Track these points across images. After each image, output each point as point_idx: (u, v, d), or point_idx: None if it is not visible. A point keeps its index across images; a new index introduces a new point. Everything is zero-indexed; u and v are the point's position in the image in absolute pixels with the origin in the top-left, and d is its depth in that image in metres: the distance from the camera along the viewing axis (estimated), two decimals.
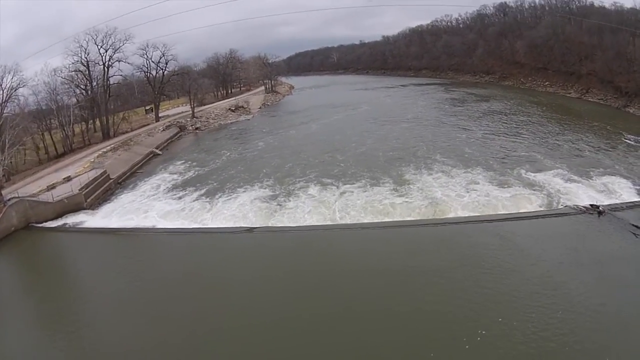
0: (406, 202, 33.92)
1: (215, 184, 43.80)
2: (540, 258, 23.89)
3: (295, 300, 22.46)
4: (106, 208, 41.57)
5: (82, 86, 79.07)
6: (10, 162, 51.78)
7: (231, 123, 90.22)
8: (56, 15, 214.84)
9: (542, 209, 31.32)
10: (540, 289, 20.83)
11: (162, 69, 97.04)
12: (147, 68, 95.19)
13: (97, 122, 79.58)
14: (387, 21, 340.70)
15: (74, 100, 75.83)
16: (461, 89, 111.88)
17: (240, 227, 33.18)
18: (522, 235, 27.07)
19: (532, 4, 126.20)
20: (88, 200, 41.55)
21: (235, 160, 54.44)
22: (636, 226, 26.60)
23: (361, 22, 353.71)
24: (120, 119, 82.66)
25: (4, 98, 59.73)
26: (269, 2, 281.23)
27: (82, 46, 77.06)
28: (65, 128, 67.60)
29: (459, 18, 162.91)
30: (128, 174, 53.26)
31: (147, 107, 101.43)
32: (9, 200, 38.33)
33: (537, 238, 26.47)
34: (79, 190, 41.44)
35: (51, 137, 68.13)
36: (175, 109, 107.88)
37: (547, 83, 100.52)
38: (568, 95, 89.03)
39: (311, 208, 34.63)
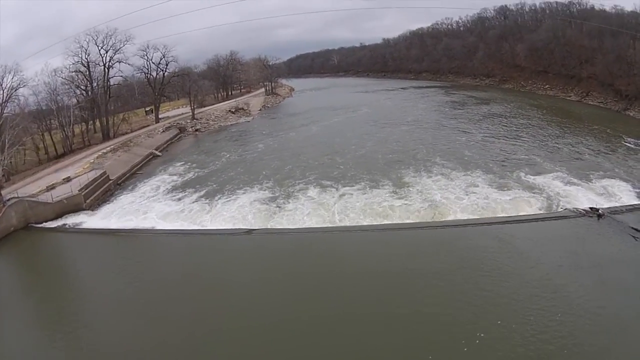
0: (405, 204, 33.91)
1: (214, 185, 43.77)
2: (540, 261, 23.89)
3: (294, 302, 22.44)
4: (105, 209, 41.53)
5: (82, 87, 79.19)
6: (10, 162, 51.75)
7: (231, 125, 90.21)
8: (56, 15, 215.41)
9: (541, 212, 31.32)
10: (539, 291, 20.83)
11: (162, 70, 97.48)
12: (148, 69, 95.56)
13: (97, 123, 79.65)
14: (387, 24, 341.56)
15: (74, 100, 75.93)
16: (461, 91, 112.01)
17: (240, 228, 33.17)
18: (521, 238, 27.08)
19: (533, 7, 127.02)
20: (87, 201, 41.50)
21: (234, 162, 54.43)
22: (636, 229, 26.61)
23: (362, 24, 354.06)
24: (120, 120, 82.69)
25: (4, 98, 59.75)
26: (270, 4, 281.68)
27: (82, 47, 77.26)
28: (65, 128, 67.62)
29: (460, 21, 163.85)
30: (127, 175, 53.21)
31: (147, 109, 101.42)
32: (8, 200, 38.31)
33: (536, 241, 26.49)
34: (79, 191, 41.39)
35: (51, 137, 68.06)
36: (175, 111, 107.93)
37: (547, 86, 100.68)
38: (568, 98, 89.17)
39: (310, 210, 34.62)
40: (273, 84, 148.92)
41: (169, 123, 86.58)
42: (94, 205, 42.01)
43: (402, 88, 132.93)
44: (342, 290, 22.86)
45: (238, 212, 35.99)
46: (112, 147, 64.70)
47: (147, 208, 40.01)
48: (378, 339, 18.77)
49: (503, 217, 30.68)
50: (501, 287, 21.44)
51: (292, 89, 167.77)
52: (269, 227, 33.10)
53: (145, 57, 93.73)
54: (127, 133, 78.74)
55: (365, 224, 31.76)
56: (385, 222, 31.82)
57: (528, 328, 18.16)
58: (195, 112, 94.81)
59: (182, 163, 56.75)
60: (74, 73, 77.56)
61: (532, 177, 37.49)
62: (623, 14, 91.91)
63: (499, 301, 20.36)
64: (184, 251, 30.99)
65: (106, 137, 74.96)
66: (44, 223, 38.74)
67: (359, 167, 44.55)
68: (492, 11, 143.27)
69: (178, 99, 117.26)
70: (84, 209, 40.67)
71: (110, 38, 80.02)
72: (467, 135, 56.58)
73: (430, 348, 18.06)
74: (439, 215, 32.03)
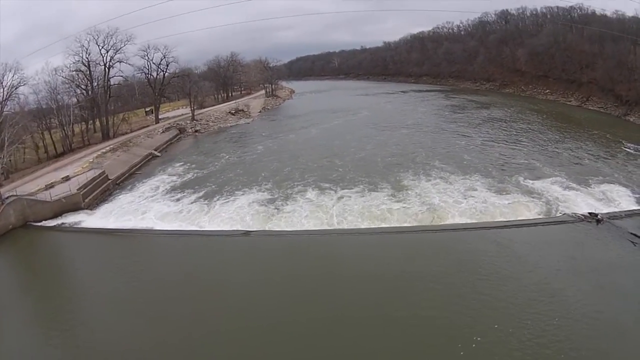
0: (404, 207, 33.87)
1: (213, 186, 43.71)
2: (538, 265, 23.85)
3: (291, 305, 22.38)
4: (104, 208, 41.47)
5: (82, 86, 79.13)
6: (10, 161, 51.78)
7: (231, 126, 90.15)
8: (56, 15, 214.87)
9: (540, 216, 31.31)
10: (537, 295, 20.79)
11: (162, 71, 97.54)
12: (148, 69, 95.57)
13: (97, 123, 79.67)
14: (388, 27, 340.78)
15: (74, 100, 75.98)
16: (461, 96, 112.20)
17: (238, 230, 33.11)
18: (519, 242, 27.04)
19: (534, 12, 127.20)
20: (86, 200, 41.48)
21: (234, 163, 54.41)
22: (635, 234, 26.60)
23: (362, 27, 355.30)
24: (120, 119, 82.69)
25: (4, 96, 60.00)
26: (271, 6, 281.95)
27: (83, 46, 77.26)
28: (65, 128, 67.66)
29: (461, 25, 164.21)
30: (126, 175, 53.17)
31: (147, 109, 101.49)
32: (7, 198, 38.25)
33: (534, 245, 26.45)
34: (77, 190, 41.34)
35: (51, 136, 68.12)
36: (175, 111, 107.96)
37: (547, 91, 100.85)
38: (568, 103, 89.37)
39: (308, 212, 34.54)
40: (273, 86, 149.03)
41: (169, 124, 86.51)
42: (93, 205, 41.96)
43: (402, 91, 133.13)
44: (339, 293, 22.79)
45: (236, 213, 35.92)
46: (111, 146, 64.62)
47: (146, 208, 39.95)
48: (375, 342, 18.69)
49: (501, 221, 30.62)
50: (499, 291, 21.39)
51: (292, 91, 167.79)
52: (266, 228, 33.04)
53: (146, 58, 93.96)
54: (126, 133, 78.70)
55: (363, 227, 31.69)
56: (383, 225, 31.76)
57: (525, 332, 18.10)
58: (195, 113, 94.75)
59: (181, 164, 56.70)
60: (74, 72, 77.69)
61: (531, 181, 37.49)
62: (624, 19, 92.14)
63: (496, 305, 20.31)
64: (181, 252, 30.89)
65: (106, 137, 74.90)
66: (43, 222, 38.66)
67: (358, 169, 44.50)
68: (493, 15, 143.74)
69: (178, 100, 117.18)
70: (83, 208, 40.62)
71: (111, 38, 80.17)
72: (467, 139, 56.60)
73: (427, 351, 18.08)
74: (437, 219, 31.98)
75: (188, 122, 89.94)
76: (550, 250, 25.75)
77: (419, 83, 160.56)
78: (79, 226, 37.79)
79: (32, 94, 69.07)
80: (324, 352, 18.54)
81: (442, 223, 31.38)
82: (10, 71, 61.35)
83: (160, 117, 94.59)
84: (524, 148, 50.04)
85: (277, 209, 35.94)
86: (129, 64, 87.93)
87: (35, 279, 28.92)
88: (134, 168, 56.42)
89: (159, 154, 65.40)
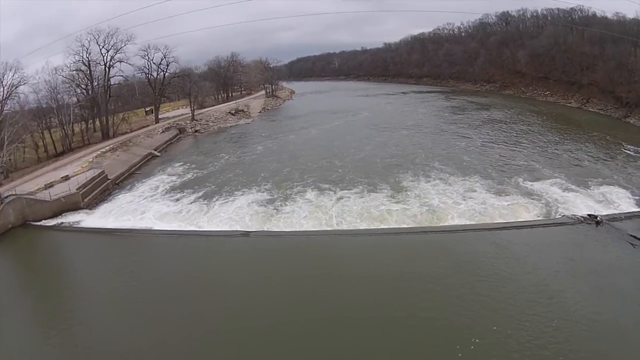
0: (403, 208, 33.84)
1: (212, 186, 43.69)
2: (537, 267, 23.84)
3: (291, 305, 22.35)
4: (103, 208, 41.43)
5: (82, 86, 79.02)
6: (9, 160, 51.80)
7: (231, 126, 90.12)
8: (56, 15, 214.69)
9: (539, 218, 31.29)
10: (536, 297, 20.78)
11: (163, 71, 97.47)
12: (148, 69, 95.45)
13: (97, 122, 79.65)
14: (389, 28, 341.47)
15: (75, 99, 75.88)
16: (462, 97, 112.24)
17: (237, 230, 33.09)
18: (519, 243, 27.06)
19: (535, 14, 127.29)
20: (85, 199, 41.45)
21: (233, 163, 54.39)
22: (634, 236, 26.59)
23: (363, 28, 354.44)
24: (120, 119, 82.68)
25: (5, 95, 59.97)
26: (271, 6, 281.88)
27: (83, 45, 77.16)
28: (64, 127, 67.63)
29: (461, 26, 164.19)
30: (126, 174, 53.14)
31: (147, 109, 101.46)
32: (6, 197, 38.20)
33: (533, 247, 26.45)
34: (77, 189, 41.32)
35: (50, 135, 68.10)
36: (175, 111, 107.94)
37: (547, 92, 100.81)
38: (568, 105, 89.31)
39: (307, 213, 34.51)
40: (273, 86, 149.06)
41: (169, 124, 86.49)
42: (92, 204, 41.92)
43: (402, 92, 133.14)
44: (338, 294, 22.78)
45: (235, 213, 35.90)
46: (111, 146, 64.56)
47: (145, 208, 39.91)
48: (374, 343, 18.69)
49: (501, 222, 30.63)
50: (498, 293, 21.37)
51: (292, 92, 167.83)
52: (266, 229, 33.01)
53: (146, 57, 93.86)
54: (126, 133, 78.68)
55: (362, 227, 31.67)
56: (383, 226, 31.73)
57: (524, 334, 18.09)
58: (195, 113, 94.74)
59: (180, 164, 56.68)
60: (74, 72, 77.51)
61: (531, 183, 37.48)
62: (625, 21, 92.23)
63: (495, 306, 20.29)
64: (181, 252, 30.86)
65: (105, 137, 74.89)
66: (42, 221, 38.63)
67: (357, 170, 44.49)
68: (493, 17, 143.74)
69: (178, 100, 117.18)
70: (82, 208, 40.60)
71: (112, 37, 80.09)
72: (467, 140, 56.60)
73: (426, 352, 18.09)
74: (436, 220, 31.98)
75: (188, 122, 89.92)
76: (549, 251, 25.74)
77: (420, 84, 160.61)
78: (78, 226, 37.76)
79: (32, 93, 69.20)
80: (323, 353, 18.53)
81: (441, 224, 31.36)
82: (10, 70, 61.43)
83: (160, 117, 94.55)
84: (524, 149, 50.04)
85: (277, 209, 35.90)
86: (129, 64, 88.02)
87: (35, 279, 28.89)
88: (134, 168, 56.40)
89: (158, 154, 65.38)
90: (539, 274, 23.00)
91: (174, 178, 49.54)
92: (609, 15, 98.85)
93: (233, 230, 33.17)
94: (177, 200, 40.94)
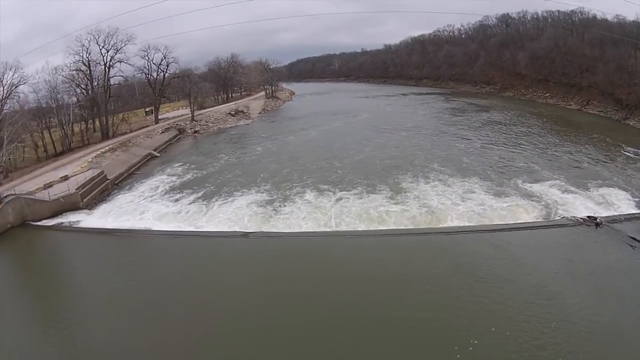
0: (402, 210, 33.80)
1: (212, 187, 43.65)
2: (536, 268, 23.83)
3: (289, 306, 22.33)
4: (102, 208, 41.35)
5: (82, 86, 78.87)
6: (9, 159, 51.77)
7: (230, 127, 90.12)
8: (56, 15, 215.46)
9: (538, 219, 31.26)
10: (534, 298, 20.76)
11: (163, 71, 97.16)
12: (148, 70, 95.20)
13: (97, 122, 79.56)
14: (389, 30, 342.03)
15: (74, 99, 75.70)
16: (461, 99, 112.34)
17: (236, 231, 33.05)
18: (518, 245, 27.04)
19: (535, 16, 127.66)
20: (84, 200, 41.39)
21: (233, 164, 54.36)
22: (634, 238, 26.60)
23: (363, 30, 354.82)
24: (120, 119, 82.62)
25: (4, 94, 59.82)
26: (272, 7, 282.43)
27: (83, 45, 77.01)
28: (64, 127, 67.53)
29: (461, 28, 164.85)
30: (125, 175, 53.08)
31: (147, 109, 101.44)
32: (5, 197, 38.16)
33: (533, 248, 26.45)
34: (76, 189, 41.27)
35: (50, 135, 67.91)
36: (175, 112, 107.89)
37: (547, 94, 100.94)
38: (568, 107, 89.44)
39: (306, 214, 34.47)
40: (273, 87, 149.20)
41: (169, 124, 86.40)
42: (91, 205, 41.86)
43: (402, 94, 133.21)
44: (337, 294, 22.77)
45: (234, 214, 35.86)
46: (110, 146, 64.48)
47: (144, 208, 39.85)
48: (373, 344, 18.67)
49: (500, 224, 30.61)
50: (496, 294, 21.36)
51: (292, 93, 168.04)
52: (265, 230, 32.95)
53: (146, 58, 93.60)
54: (126, 133, 78.61)
55: (361, 229, 31.63)
56: (382, 227, 31.70)
57: (522, 335, 18.06)
58: (194, 114, 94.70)
59: (180, 164, 56.64)
60: (74, 72, 77.33)
61: (530, 184, 37.46)
62: (625, 23, 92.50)
63: (493, 307, 20.28)
64: (180, 252, 30.83)
65: (105, 137, 74.79)
66: (41, 221, 38.58)
67: (356, 171, 44.49)
68: (493, 19, 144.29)
69: (178, 100, 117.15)
70: (81, 208, 40.54)
71: (112, 38, 79.93)
72: (466, 142, 56.61)
73: (424, 353, 18.08)
74: (435, 221, 31.93)
75: (188, 122, 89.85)
76: (548, 253, 25.74)
77: (419, 86, 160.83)
78: (77, 226, 37.70)
79: (32, 93, 69.02)
80: (321, 354, 18.52)
81: (440, 225, 31.32)
82: (10, 70, 61.24)
83: (160, 117, 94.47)
84: (524, 151, 50.05)
85: (276, 210, 35.87)
86: (129, 64, 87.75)
87: (33, 278, 28.85)
88: (133, 168, 56.37)
89: (158, 154, 65.32)
90: (538, 276, 22.99)
91: (173, 178, 49.50)
92: (609, 17, 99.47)
93: (232, 231, 33.12)
94: (177, 200, 40.88)
